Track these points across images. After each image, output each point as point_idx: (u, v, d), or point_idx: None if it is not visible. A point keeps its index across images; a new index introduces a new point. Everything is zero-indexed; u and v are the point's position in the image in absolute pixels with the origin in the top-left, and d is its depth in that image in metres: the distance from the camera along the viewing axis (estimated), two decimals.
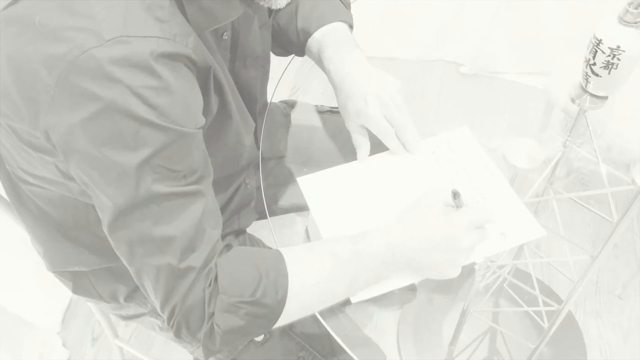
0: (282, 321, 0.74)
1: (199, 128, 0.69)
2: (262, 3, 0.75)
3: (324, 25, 0.99)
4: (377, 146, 0.92)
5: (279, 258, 0.74)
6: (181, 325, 0.70)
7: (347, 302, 0.80)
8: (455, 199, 0.76)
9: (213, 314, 0.69)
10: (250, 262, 0.73)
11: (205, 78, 0.72)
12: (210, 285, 0.69)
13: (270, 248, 0.80)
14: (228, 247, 0.74)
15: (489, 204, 0.85)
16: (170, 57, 0.63)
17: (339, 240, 0.78)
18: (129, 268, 0.70)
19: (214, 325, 0.70)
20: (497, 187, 0.87)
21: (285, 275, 0.72)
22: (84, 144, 0.62)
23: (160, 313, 0.71)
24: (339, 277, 0.75)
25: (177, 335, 0.71)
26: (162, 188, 0.65)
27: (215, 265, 0.70)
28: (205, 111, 0.72)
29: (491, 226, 0.81)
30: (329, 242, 0.79)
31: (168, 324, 0.71)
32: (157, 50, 0.61)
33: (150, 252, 0.67)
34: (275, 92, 1.14)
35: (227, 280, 0.70)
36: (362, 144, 0.91)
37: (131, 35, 0.60)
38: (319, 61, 0.98)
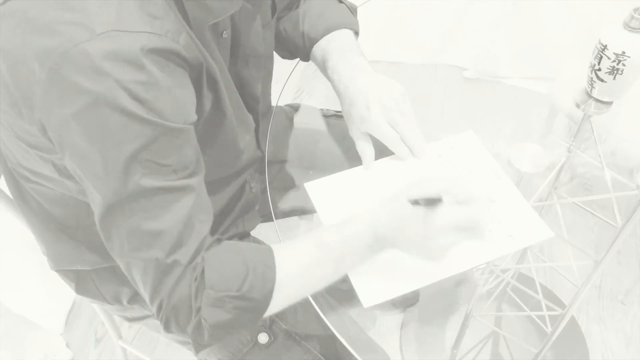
0: (270, 312, 0.74)
1: (190, 124, 0.69)
2: None
3: (330, 32, 0.99)
4: (382, 152, 0.91)
5: (268, 251, 0.75)
6: (170, 319, 0.70)
7: (352, 305, 0.80)
8: (419, 203, 0.73)
9: (200, 308, 0.69)
10: (239, 256, 0.73)
11: (197, 75, 0.72)
12: (196, 279, 0.69)
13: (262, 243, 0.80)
14: (218, 240, 0.74)
15: (497, 206, 0.85)
16: (160, 53, 0.63)
17: (324, 229, 0.78)
18: (119, 262, 0.71)
19: (202, 319, 0.70)
20: (504, 189, 0.88)
21: (272, 268, 0.73)
22: (75, 137, 0.63)
23: (149, 306, 0.72)
24: (324, 265, 0.76)
25: (167, 329, 0.71)
26: (152, 182, 0.65)
27: (203, 259, 0.70)
28: (198, 108, 0.72)
29: (499, 228, 0.82)
30: (314, 231, 0.79)
31: (157, 317, 0.71)
32: (148, 45, 0.62)
33: (138, 246, 0.67)
34: (281, 95, 1.15)
35: (213, 274, 0.70)
36: (366, 152, 0.91)
37: (123, 30, 0.61)
38: (323, 69, 0.98)
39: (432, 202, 0.72)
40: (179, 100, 0.67)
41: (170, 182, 0.67)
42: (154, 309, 0.71)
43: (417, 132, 0.89)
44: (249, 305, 0.71)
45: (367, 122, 0.89)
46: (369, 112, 0.88)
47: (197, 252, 0.70)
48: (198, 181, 0.71)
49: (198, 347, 0.74)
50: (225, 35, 0.82)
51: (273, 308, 0.74)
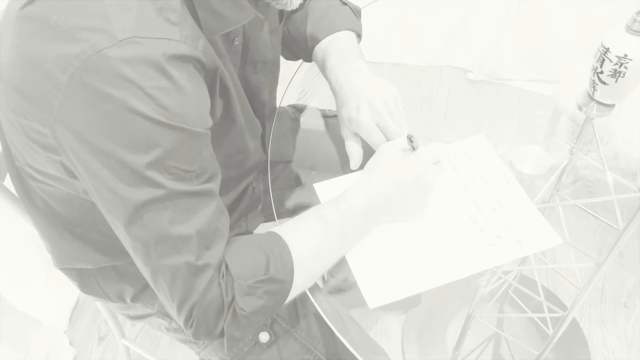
0: (292, 295, 0.76)
1: (208, 129, 0.70)
2: (278, 6, 0.76)
3: (332, 33, 0.99)
4: (372, 153, 0.90)
5: (275, 236, 0.76)
6: (200, 323, 0.70)
7: (354, 305, 0.80)
8: (412, 142, 0.82)
9: (233, 300, 0.70)
10: (253, 245, 0.75)
11: (212, 81, 0.73)
12: (223, 277, 0.70)
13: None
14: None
15: (506, 211, 0.86)
16: (181, 59, 0.64)
17: (321, 206, 0.81)
18: (144, 270, 0.71)
19: (237, 309, 0.71)
20: (514, 195, 0.88)
21: (287, 249, 0.75)
22: (96, 144, 0.63)
23: (175, 316, 0.72)
24: (330, 239, 0.79)
25: (196, 336, 0.72)
26: (177, 187, 0.66)
27: (223, 256, 0.72)
28: (210, 114, 0.73)
29: (508, 234, 0.83)
30: (312, 211, 0.81)
31: (186, 325, 0.71)
32: (169, 51, 0.62)
33: (166, 252, 0.67)
34: (284, 96, 1.15)
35: (238, 266, 0.71)
36: (353, 152, 0.91)
37: (143, 36, 0.61)
38: (323, 69, 0.99)
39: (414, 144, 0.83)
40: (199, 105, 0.68)
41: (194, 186, 0.67)
42: (182, 317, 0.70)
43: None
44: (276, 287, 0.73)
45: (355, 123, 0.89)
46: (358, 113, 0.88)
47: (223, 254, 0.71)
48: (217, 185, 0.72)
49: (232, 343, 0.74)
50: (237, 43, 0.82)
51: (294, 291, 0.76)
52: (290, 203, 1.01)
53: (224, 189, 0.88)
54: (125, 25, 0.61)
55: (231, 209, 0.97)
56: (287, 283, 0.74)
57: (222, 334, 0.72)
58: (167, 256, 0.67)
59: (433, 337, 1.49)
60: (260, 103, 0.93)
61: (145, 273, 0.71)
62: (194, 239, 0.67)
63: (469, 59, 2.21)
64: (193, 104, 0.66)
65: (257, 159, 0.97)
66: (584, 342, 1.49)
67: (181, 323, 0.71)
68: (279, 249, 0.75)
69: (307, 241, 0.78)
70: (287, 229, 0.78)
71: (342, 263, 0.82)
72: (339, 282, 1.03)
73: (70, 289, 1.02)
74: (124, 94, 0.60)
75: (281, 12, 0.97)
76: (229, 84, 0.77)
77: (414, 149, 0.82)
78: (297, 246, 0.76)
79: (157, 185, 0.64)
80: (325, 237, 0.79)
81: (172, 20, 0.65)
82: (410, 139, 0.82)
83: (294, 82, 1.20)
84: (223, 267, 0.71)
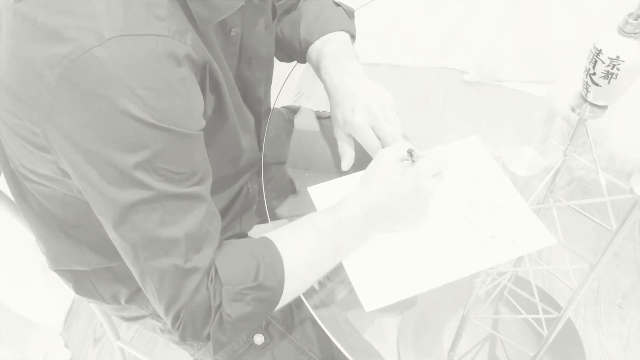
0: (283, 301, 0.76)
1: (200, 130, 0.69)
2: None
3: (325, 34, 0.99)
4: (365, 155, 0.90)
5: (268, 242, 0.76)
6: (187, 326, 0.70)
7: (349, 307, 0.80)
8: (412, 156, 0.81)
9: (220, 304, 0.70)
10: (244, 250, 0.74)
11: (202, 76, 0.72)
12: (212, 281, 0.70)
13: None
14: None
15: (500, 212, 0.86)
16: (171, 56, 0.63)
17: (317, 214, 0.81)
18: (132, 271, 0.71)
19: (224, 315, 0.70)
20: (507, 195, 0.88)
21: (279, 256, 0.74)
22: (84, 144, 0.63)
23: (163, 317, 0.72)
24: (325, 247, 0.79)
25: (183, 337, 0.72)
26: (166, 189, 0.65)
27: (213, 260, 0.71)
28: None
29: (502, 234, 0.83)
30: (307, 218, 0.81)
31: (173, 327, 0.71)
32: (157, 48, 0.62)
33: (154, 254, 0.67)
34: (279, 97, 1.15)
35: (227, 271, 0.71)
36: (346, 153, 0.92)
37: (131, 33, 0.61)
38: (317, 70, 0.99)
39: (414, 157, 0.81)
40: (191, 105, 0.67)
41: (184, 189, 0.67)
42: (169, 318, 0.70)
43: (400, 140, 0.89)
44: (265, 294, 0.73)
45: (350, 125, 0.89)
46: (353, 115, 0.88)
47: (212, 258, 0.71)
48: (207, 187, 0.72)
49: (218, 347, 0.74)
50: (234, 33, 0.82)
51: (285, 297, 0.75)
52: (283, 205, 1.01)
53: (218, 189, 0.88)
54: (113, 23, 0.60)
55: (226, 209, 0.97)
56: (276, 290, 0.74)
57: (208, 338, 0.72)
58: (155, 258, 0.67)
59: (429, 339, 1.49)
60: (256, 100, 0.93)
61: (134, 274, 0.71)
62: (183, 242, 0.67)
63: (466, 61, 2.21)
64: (184, 104, 0.65)
65: (252, 158, 0.97)
66: (579, 344, 1.49)
67: (169, 324, 0.71)
68: (270, 255, 0.74)
69: (300, 249, 0.77)
70: (281, 236, 0.78)
71: (338, 266, 0.82)
72: (334, 284, 1.03)
73: (65, 291, 1.02)
74: (112, 93, 0.60)
75: (274, 10, 0.97)
76: (220, 78, 0.77)
77: (413, 162, 0.82)
78: (289, 253, 0.75)
79: (145, 186, 0.64)
80: (319, 246, 0.78)
81: (160, 16, 0.64)
82: (410, 153, 0.81)
83: (291, 84, 1.20)
84: (212, 271, 0.71)
